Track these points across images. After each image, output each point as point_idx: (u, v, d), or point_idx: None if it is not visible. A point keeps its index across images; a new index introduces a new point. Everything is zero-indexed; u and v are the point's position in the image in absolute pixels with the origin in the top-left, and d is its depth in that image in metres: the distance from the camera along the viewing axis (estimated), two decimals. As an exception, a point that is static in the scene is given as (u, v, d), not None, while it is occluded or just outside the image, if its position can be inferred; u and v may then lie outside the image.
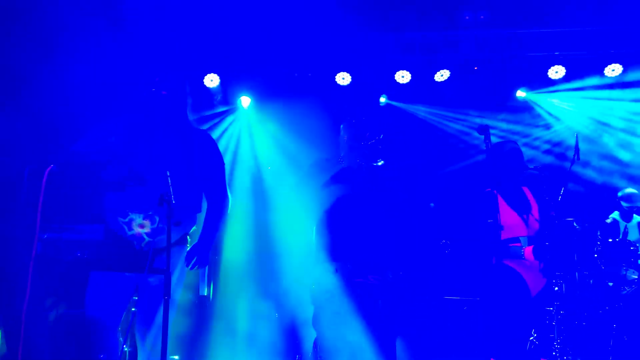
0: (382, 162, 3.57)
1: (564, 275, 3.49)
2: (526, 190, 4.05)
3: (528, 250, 3.73)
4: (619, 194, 6.94)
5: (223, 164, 3.38)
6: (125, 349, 2.90)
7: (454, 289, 5.23)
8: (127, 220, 3.08)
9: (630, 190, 6.89)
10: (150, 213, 3.06)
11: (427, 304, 5.03)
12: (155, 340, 2.87)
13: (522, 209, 3.89)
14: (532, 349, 3.91)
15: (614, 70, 7.33)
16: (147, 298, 3.11)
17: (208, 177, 3.28)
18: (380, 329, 3.41)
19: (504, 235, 3.84)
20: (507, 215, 3.88)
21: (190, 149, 3.24)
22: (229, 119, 7.97)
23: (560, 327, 3.45)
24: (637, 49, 7.30)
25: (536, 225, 3.86)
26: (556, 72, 7.41)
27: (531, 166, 3.97)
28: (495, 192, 3.93)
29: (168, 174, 2.93)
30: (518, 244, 3.80)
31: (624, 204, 6.83)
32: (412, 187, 7.28)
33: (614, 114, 7.73)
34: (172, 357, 3.81)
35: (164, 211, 2.86)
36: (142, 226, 3.09)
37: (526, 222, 3.89)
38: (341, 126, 3.81)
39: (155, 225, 3.02)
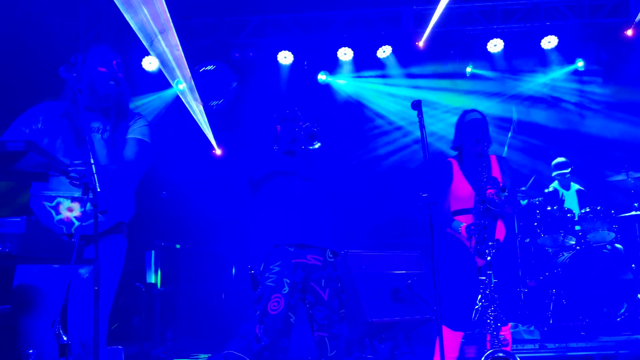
0: (319, 144, 3.52)
1: (497, 245, 3.55)
2: (493, 160, 3.95)
3: (463, 229, 3.72)
4: (552, 163, 7.11)
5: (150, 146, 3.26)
6: (59, 343, 2.82)
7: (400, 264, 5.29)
8: (54, 204, 2.95)
9: (558, 159, 7.06)
10: (77, 195, 2.93)
11: (372, 280, 5.09)
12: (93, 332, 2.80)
13: (476, 181, 3.76)
14: (477, 317, 3.98)
15: (549, 42, 7.49)
16: (78, 290, 3.02)
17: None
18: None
19: (455, 206, 3.88)
20: (461, 187, 3.88)
21: (121, 133, 3.13)
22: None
23: (495, 295, 3.52)
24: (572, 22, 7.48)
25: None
26: (495, 45, 7.52)
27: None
28: (454, 162, 3.94)
29: (92, 161, 2.82)
30: (462, 219, 3.82)
31: (554, 172, 7.01)
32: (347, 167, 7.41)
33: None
34: (116, 347, 3.73)
35: (90, 199, 2.76)
36: (70, 209, 2.96)
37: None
38: (274, 115, 3.74)
39: (85, 209, 2.88)
